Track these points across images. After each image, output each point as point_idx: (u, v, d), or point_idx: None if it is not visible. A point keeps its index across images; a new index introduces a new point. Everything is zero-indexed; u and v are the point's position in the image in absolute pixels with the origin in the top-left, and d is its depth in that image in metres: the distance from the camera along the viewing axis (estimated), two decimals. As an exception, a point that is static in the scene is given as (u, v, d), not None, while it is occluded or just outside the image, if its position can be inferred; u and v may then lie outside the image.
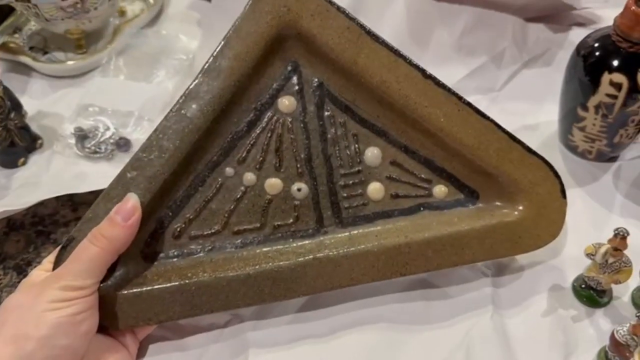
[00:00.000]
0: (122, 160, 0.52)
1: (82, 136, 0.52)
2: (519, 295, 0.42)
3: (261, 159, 0.40)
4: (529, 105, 0.56)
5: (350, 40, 0.38)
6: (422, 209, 0.41)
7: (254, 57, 0.38)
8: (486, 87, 0.57)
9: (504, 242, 0.40)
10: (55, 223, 0.49)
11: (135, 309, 0.37)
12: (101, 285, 0.36)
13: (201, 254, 0.39)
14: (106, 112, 0.55)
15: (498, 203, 0.41)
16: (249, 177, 0.39)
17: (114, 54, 0.60)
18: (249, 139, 0.40)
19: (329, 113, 0.40)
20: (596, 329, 0.40)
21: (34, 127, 0.53)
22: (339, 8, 0.38)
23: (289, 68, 0.40)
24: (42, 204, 0.49)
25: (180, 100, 0.37)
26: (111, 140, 0.52)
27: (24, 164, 0.52)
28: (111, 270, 0.37)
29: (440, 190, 0.41)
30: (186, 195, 0.39)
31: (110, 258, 0.35)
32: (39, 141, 0.53)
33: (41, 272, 0.36)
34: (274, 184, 0.40)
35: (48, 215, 0.50)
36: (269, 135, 0.40)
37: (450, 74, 0.56)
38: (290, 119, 0.40)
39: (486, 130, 0.39)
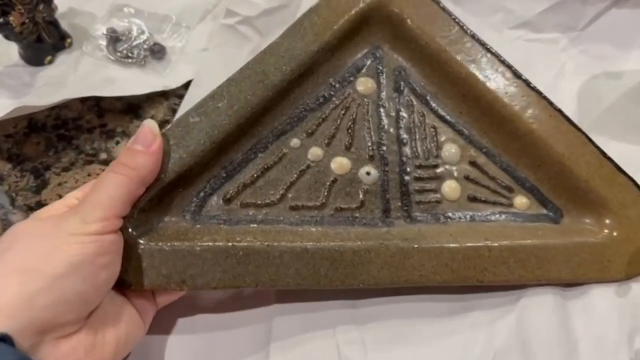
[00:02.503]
0: (154, 68, 0.47)
1: (114, 38, 0.48)
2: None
3: (331, 135, 0.38)
4: (614, 50, 0.49)
5: None
6: (501, 216, 0.37)
7: (341, 29, 0.37)
8: (567, 24, 0.50)
9: (592, 264, 0.36)
10: (78, 128, 0.45)
11: (169, 266, 0.31)
12: (131, 232, 0.31)
13: (251, 224, 0.34)
14: (142, 15, 0.50)
15: (586, 221, 0.37)
16: (316, 151, 0.37)
17: (154, -46, 0.55)
18: (320, 112, 0.38)
19: (408, 102, 0.39)
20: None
21: (64, 25, 0.49)
22: None
23: (373, 50, 0.39)
24: (66, 106, 0.46)
25: (259, 55, 0.36)
26: (145, 46, 0.48)
27: (50, 62, 0.48)
28: (147, 220, 0.32)
29: (521, 201, 0.38)
30: (245, 159, 0.36)
31: (135, 189, 0.30)
32: (68, 40, 0.49)
33: (62, 206, 0.30)
34: (341, 163, 0.37)
35: (72, 119, 0.46)
36: (342, 112, 0.38)
37: (528, 6, 0.50)
38: (367, 101, 0.39)
39: (577, 140, 0.37)
